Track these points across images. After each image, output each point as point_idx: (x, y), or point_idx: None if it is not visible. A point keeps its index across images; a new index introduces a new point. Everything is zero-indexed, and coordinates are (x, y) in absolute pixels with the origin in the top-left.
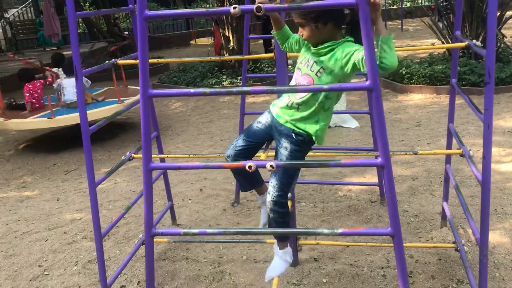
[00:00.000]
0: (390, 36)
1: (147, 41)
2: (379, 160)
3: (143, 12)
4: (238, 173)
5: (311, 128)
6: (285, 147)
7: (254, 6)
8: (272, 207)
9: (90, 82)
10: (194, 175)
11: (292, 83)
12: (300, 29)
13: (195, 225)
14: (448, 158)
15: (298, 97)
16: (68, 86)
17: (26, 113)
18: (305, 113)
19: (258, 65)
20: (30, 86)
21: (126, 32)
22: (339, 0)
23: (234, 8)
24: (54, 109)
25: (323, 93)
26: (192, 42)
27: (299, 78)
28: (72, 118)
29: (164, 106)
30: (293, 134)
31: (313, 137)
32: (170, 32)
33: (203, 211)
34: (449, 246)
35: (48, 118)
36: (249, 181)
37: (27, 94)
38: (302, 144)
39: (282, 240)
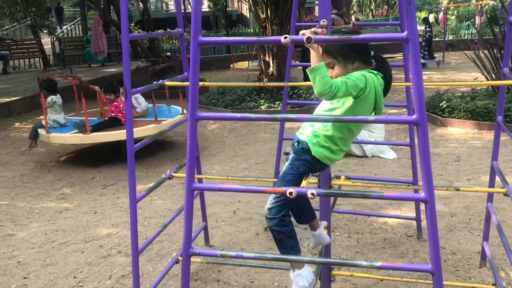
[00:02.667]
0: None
1: (198, 66)
2: (422, 195)
3: (197, 38)
4: (292, 203)
5: (307, 136)
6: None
7: (304, 37)
8: (266, 216)
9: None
10: (228, 197)
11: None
12: (329, 70)
13: (228, 247)
14: (490, 196)
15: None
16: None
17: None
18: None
19: (296, 91)
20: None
21: (168, 53)
22: (389, 35)
23: (285, 38)
24: None
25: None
26: (232, 65)
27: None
28: (106, 136)
29: (202, 127)
30: (296, 143)
31: (309, 145)
32: (211, 54)
33: (236, 233)
34: None
35: (83, 134)
36: (302, 210)
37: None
38: (301, 152)
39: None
